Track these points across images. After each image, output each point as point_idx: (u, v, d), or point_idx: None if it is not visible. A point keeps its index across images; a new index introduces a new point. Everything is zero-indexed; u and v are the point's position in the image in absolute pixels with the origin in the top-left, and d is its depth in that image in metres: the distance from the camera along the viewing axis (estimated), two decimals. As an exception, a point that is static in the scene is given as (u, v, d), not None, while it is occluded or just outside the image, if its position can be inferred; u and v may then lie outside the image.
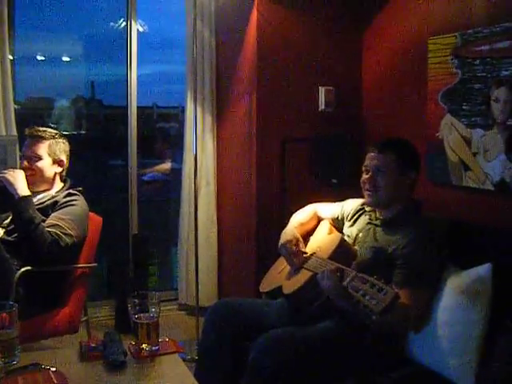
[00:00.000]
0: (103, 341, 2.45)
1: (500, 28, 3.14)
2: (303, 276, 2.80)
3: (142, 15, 4.74)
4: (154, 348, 2.42)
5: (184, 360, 2.48)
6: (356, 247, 2.86)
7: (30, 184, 3.32)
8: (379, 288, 2.21)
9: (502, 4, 3.20)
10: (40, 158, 3.42)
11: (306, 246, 3.06)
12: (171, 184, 5.71)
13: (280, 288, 2.91)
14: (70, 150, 3.58)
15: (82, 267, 3.46)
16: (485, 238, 2.88)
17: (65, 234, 3.16)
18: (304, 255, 2.93)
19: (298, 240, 3.00)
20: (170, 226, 5.49)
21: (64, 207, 3.33)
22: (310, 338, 2.63)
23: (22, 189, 3.23)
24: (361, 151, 4.16)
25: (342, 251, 2.79)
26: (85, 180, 4.74)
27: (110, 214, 4.19)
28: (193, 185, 4.31)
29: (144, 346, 2.41)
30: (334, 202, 3.28)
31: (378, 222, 2.86)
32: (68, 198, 3.39)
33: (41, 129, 3.50)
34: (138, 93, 4.83)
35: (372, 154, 2.83)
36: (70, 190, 3.47)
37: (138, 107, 4.86)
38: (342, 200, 3.26)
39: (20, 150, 3.72)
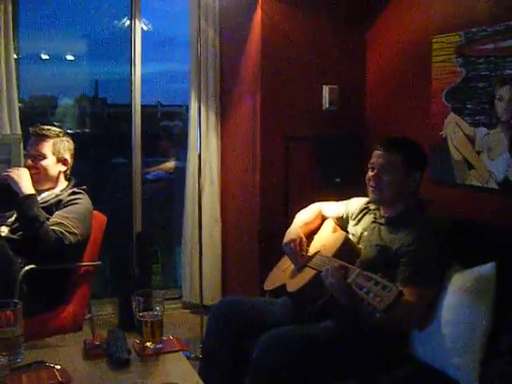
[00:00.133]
0: (107, 339, 2.45)
1: (504, 26, 3.14)
2: (307, 274, 2.80)
3: (145, 14, 4.74)
4: (158, 346, 2.42)
5: (188, 358, 2.48)
6: (360, 246, 2.86)
7: (34, 182, 3.32)
8: (383, 286, 2.21)
9: (505, 3, 3.20)
10: (44, 157, 3.43)
11: (310, 244, 3.07)
12: (175, 183, 5.71)
13: (284, 286, 2.91)
14: (74, 149, 3.59)
15: (85, 265, 3.47)
16: (488, 237, 2.88)
17: (69, 233, 3.17)
18: (308, 254, 2.94)
19: (301, 238, 3.01)
20: (174, 224, 5.49)
21: (68, 205, 3.33)
22: (314, 337, 2.64)
23: (27, 187, 3.23)
24: (364, 150, 4.18)
25: (347, 249, 2.79)
26: (88, 178, 4.75)
27: (113, 212, 4.20)
28: (197, 183, 4.31)
29: (148, 344, 2.42)
30: (338, 200, 3.28)
31: (382, 221, 2.86)
32: (72, 197, 3.39)
33: (45, 127, 3.50)
34: (141, 91, 4.83)
35: (378, 151, 2.83)
36: (75, 189, 3.47)
37: (141, 106, 4.86)
38: (346, 199, 3.26)
39: (24, 149, 3.72)
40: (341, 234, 2.97)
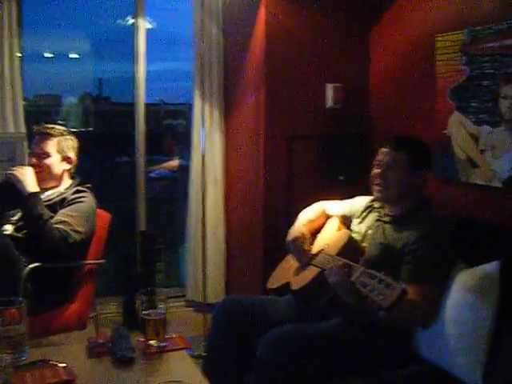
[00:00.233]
0: (111, 337, 2.46)
1: (508, 25, 3.14)
2: (311, 272, 2.80)
3: (149, 12, 4.74)
4: (161, 344, 2.43)
5: (191, 356, 2.50)
6: (364, 244, 2.86)
7: (38, 181, 3.33)
8: (387, 284, 2.21)
9: (510, 0, 3.19)
10: (48, 155, 3.43)
11: (314, 243, 3.07)
12: (179, 181, 5.72)
13: (288, 284, 2.91)
14: (78, 147, 3.60)
15: (90, 264, 3.48)
16: (492, 236, 2.88)
17: (73, 231, 3.17)
18: (312, 252, 2.94)
19: (305, 237, 3.01)
20: (178, 222, 5.49)
21: (72, 204, 3.34)
22: (318, 335, 2.64)
23: (31, 185, 3.24)
24: (368, 148, 4.18)
25: (350, 248, 2.79)
26: (92, 177, 4.75)
27: (117, 210, 4.20)
28: (200, 182, 4.31)
29: (152, 342, 2.42)
30: (342, 199, 3.28)
31: (387, 219, 2.86)
32: (76, 195, 3.40)
33: (49, 126, 3.51)
34: (145, 90, 4.83)
35: (385, 149, 2.83)
36: (79, 187, 3.48)
37: (145, 104, 4.86)
38: (350, 197, 3.26)
39: (28, 147, 3.73)
40: (345, 232, 2.97)
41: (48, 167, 3.44)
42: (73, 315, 3.28)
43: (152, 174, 5.54)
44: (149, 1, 4.72)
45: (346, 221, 3.15)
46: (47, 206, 3.27)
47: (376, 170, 2.84)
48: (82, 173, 3.66)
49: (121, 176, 5.72)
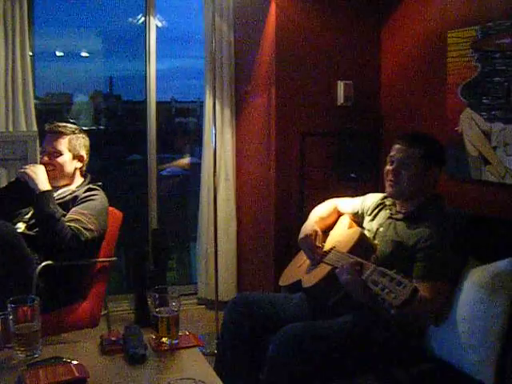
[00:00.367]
0: (124, 334, 2.46)
1: (520, 21, 3.13)
2: (322, 270, 2.80)
3: (160, 10, 4.75)
4: (174, 342, 2.43)
5: (203, 354, 2.48)
6: (376, 241, 2.85)
7: (50, 179, 3.34)
8: (398, 282, 2.21)
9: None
10: (60, 154, 3.44)
11: (325, 240, 3.06)
12: (190, 179, 5.72)
13: (299, 282, 2.91)
14: (90, 145, 3.61)
15: (102, 261, 3.49)
16: (505, 232, 2.86)
17: (85, 229, 3.18)
18: (323, 249, 2.94)
19: (317, 234, 3.01)
20: (189, 220, 5.50)
21: (84, 202, 3.35)
22: (329, 332, 2.63)
23: (43, 184, 3.25)
24: (379, 145, 4.18)
25: (362, 245, 2.79)
26: (104, 175, 4.77)
27: (129, 208, 4.21)
28: (212, 180, 4.32)
29: (164, 339, 2.42)
30: (353, 196, 3.28)
31: (398, 216, 2.85)
32: (88, 193, 3.41)
33: (61, 124, 3.52)
34: (156, 88, 4.84)
35: (398, 146, 2.82)
36: (90, 185, 3.49)
37: (156, 102, 4.86)
38: (361, 194, 3.25)
39: (40, 146, 3.74)
40: (356, 230, 2.97)
41: (60, 165, 3.45)
42: (85, 313, 3.28)
43: (163, 172, 5.55)
44: (159, -1, 4.74)
45: (358, 218, 3.14)
46: (59, 205, 3.28)
47: (389, 167, 2.84)
48: (93, 171, 3.67)
49: (132, 174, 5.73)
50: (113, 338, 2.47)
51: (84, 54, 5.46)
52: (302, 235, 3.05)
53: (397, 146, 2.83)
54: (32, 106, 4.23)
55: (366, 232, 2.94)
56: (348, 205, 3.23)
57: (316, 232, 3.01)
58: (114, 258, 3.58)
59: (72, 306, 3.27)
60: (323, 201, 3.31)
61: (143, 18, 4.76)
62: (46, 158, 3.44)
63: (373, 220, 3.00)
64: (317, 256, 2.91)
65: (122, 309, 4.80)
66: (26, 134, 4.16)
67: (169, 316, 2.42)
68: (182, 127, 6.31)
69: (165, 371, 2.31)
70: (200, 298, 4.99)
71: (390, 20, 4.22)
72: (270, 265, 4.25)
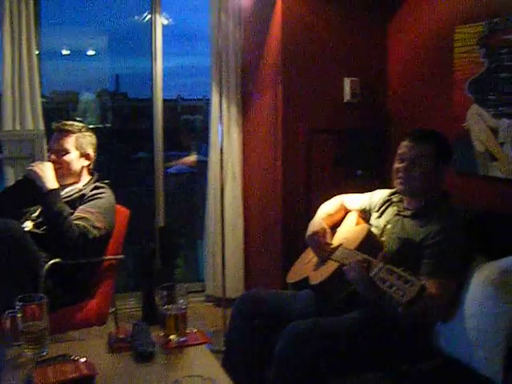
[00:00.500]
0: (132, 332, 2.47)
1: (527, 16, 3.11)
2: (330, 267, 2.80)
3: (166, 8, 4.75)
4: (182, 339, 2.43)
5: (211, 351, 2.49)
6: (383, 238, 2.85)
7: (57, 177, 3.34)
8: (406, 279, 2.21)
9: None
10: (67, 152, 3.45)
11: (333, 237, 3.06)
12: (197, 176, 5.73)
13: (307, 279, 2.91)
14: (96, 143, 3.61)
15: (109, 259, 3.50)
16: (512, 229, 2.86)
17: (92, 227, 3.18)
18: (331, 246, 2.93)
19: (325, 231, 3.00)
20: (196, 218, 5.51)
21: (91, 200, 3.35)
22: (337, 329, 2.63)
23: (50, 182, 3.25)
24: (386, 142, 4.17)
25: (369, 242, 2.79)
26: (111, 173, 4.77)
27: (136, 206, 4.22)
28: (219, 177, 4.32)
29: (172, 337, 2.43)
30: (360, 193, 3.28)
31: (406, 213, 2.85)
32: (95, 191, 3.41)
33: (68, 123, 3.53)
34: (162, 86, 4.84)
35: (409, 143, 2.81)
36: (97, 183, 3.50)
37: (163, 100, 4.86)
38: (368, 191, 3.25)
39: (47, 144, 3.75)
40: (364, 226, 2.96)
41: (67, 164, 3.45)
42: (93, 311, 3.29)
43: (170, 170, 5.56)
44: (165, -4, 4.74)
45: (365, 215, 3.14)
46: (66, 203, 3.28)
47: (400, 164, 2.82)
48: (100, 169, 3.68)
49: (139, 172, 5.74)
50: (121, 336, 2.48)
51: (90, 52, 5.48)
52: (309, 232, 3.05)
53: (406, 143, 2.83)
54: (39, 104, 4.24)
55: (373, 229, 2.93)
56: (355, 201, 3.22)
57: (323, 229, 3.01)
58: (122, 256, 3.59)
59: (80, 303, 3.27)
60: (330, 197, 3.31)
61: (149, 16, 4.76)
62: (53, 157, 3.44)
63: (380, 217, 3.00)
64: (324, 253, 2.91)
65: (129, 306, 4.81)
66: (33, 133, 4.18)
67: (177, 313, 2.42)
68: (188, 125, 6.32)
69: (173, 369, 2.32)
70: (207, 295, 5.00)
71: (397, 16, 4.21)
72: (277, 262, 4.24)
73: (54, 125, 3.53)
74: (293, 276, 3.12)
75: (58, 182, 3.33)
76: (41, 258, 3.11)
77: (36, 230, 3.28)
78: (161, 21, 4.72)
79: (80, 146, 3.49)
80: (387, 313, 2.54)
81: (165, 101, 4.89)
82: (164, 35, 4.76)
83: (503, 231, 2.87)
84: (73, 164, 3.48)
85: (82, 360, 2.18)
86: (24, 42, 4.13)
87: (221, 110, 4.24)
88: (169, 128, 5.07)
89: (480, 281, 2.52)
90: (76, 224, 3.14)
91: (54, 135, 3.51)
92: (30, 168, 3.30)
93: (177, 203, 5.60)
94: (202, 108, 6.19)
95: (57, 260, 3.15)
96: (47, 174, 3.27)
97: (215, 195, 4.71)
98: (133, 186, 5.65)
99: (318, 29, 4.17)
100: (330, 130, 4.23)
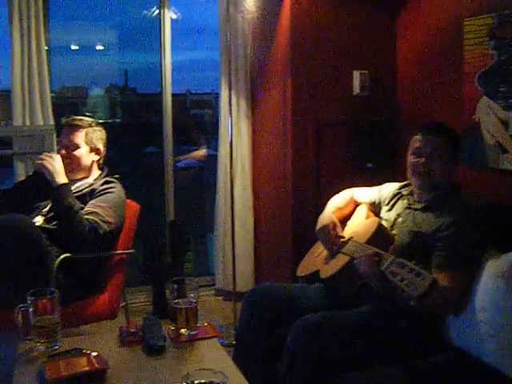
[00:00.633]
0: (143, 326, 2.48)
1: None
2: (340, 260, 2.80)
3: (174, 2, 4.74)
4: (192, 333, 2.44)
5: (222, 345, 2.50)
6: (394, 232, 2.84)
7: (67, 172, 3.35)
8: (417, 273, 2.21)
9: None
10: (77, 147, 3.46)
11: (343, 230, 3.06)
12: (206, 171, 5.73)
13: (317, 272, 2.91)
14: (106, 138, 3.62)
15: (120, 253, 3.51)
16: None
17: (103, 222, 3.19)
18: (341, 240, 2.93)
19: (335, 224, 3.00)
20: (206, 212, 5.52)
21: (102, 195, 3.36)
22: (348, 323, 2.64)
23: (60, 176, 3.26)
24: (396, 135, 4.16)
25: (380, 236, 2.78)
26: (120, 167, 4.78)
27: (146, 200, 4.23)
28: (228, 171, 4.32)
29: (183, 330, 2.44)
30: (370, 186, 3.27)
31: (417, 206, 2.84)
32: (105, 186, 3.42)
33: (78, 117, 3.54)
34: (171, 80, 4.84)
35: (425, 137, 2.80)
36: (107, 178, 3.50)
37: (172, 94, 4.87)
38: (378, 184, 3.24)
39: (57, 139, 3.76)
40: (374, 220, 2.96)
41: (77, 158, 3.46)
42: (104, 305, 3.30)
43: (180, 164, 5.56)
44: (173, -9, 4.74)
45: (375, 208, 3.14)
46: (76, 198, 3.29)
47: (416, 159, 2.81)
48: (110, 164, 3.69)
49: (149, 166, 5.75)
50: (132, 330, 2.49)
51: (99, 47, 5.48)
52: (319, 225, 3.05)
53: (420, 138, 2.81)
54: (48, 99, 4.25)
55: (383, 222, 2.93)
56: (365, 194, 3.22)
57: (333, 222, 3.01)
58: (132, 251, 3.60)
59: (91, 298, 3.28)
60: (340, 191, 3.31)
61: (158, 11, 4.76)
62: (63, 151, 3.45)
63: (390, 210, 2.99)
64: (334, 246, 2.91)
65: (139, 301, 4.82)
66: (43, 128, 4.19)
67: (187, 307, 2.43)
68: (197, 119, 6.32)
69: (183, 362, 2.32)
70: (217, 289, 5.01)
71: (406, 8, 4.19)
72: (288, 255, 4.25)
73: (64, 120, 3.55)
74: (303, 269, 3.12)
75: (68, 176, 3.34)
76: (52, 253, 3.12)
77: (47, 225, 3.28)
78: (169, 15, 4.72)
79: (90, 140, 3.50)
80: (398, 306, 2.54)
81: (174, 95, 4.90)
82: (172, 29, 4.76)
83: (514, 224, 2.86)
84: (83, 159, 3.49)
85: (94, 354, 2.20)
86: (33, 37, 4.14)
87: (230, 104, 4.23)
88: (178, 122, 5.07)
89: (491, 274, 2.51)
90: (86, 219, 3.15)
91: (64, 130, 3.52)
92: (39, 161, 3.30)
93: (186, 197, 5.61)
94: (210, 102, 6.19)
95: (68, 254, 3.16)
96: (57, 168, 3.28)
97: (225, 189, 4.72)
98: (142, 181, 5.65)
99: (327, 22, 4.16)
100: (340, 122, 4.22)
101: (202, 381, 1.82)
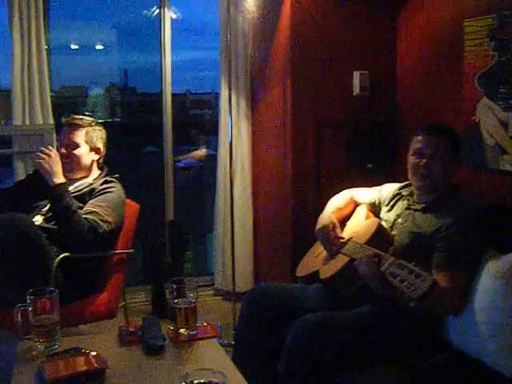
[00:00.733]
0: (142, 325, 2.47)
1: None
2: (340, 261, 2.80)
3: (174, 2, 4.74)
4: (192, 332, 2.44)
5: (220, 345, 2.50)
6: (394, 232, 2.84)
7: (67, 171, 3.36)
8: (417, 274, 2.21)
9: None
10: (78, 146, 3.46)
11: (343, 231, 3.05)
12: (206, 170, 5.73)
13: (317, 273, 2.91)
14: (106, 138, 3.62)
15: (119, 253, 3.50)
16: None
17: (102, 221, 3.19)
18: (341, 240, 2.93)
19: (334, 225, 3.00)
20: (206, 211, 5.52)
21: (101, 194, 3.36)
22: (347, 323, 2.64)
23: (57, 176, 3.24)
24: (396, 135, 4.16)
25: (380, 236, 2.78)
26: (120, 167, 4.78)
27: (145, 200, 4.23)
28: (228, 171, 4.32)
29: (182, 330, 2.43)
30: (370, 186, 3.27)
31: (417, 207, 2.84)
32: (105, 185, 3.42)
33: (78, 117, 3.54)
34: (171, 80, 4.84)
35: (426, 138, 2.80)
36: (107, 177, 3.50)
37: (172, 94, 4.87)
38: (378, 185, 3.24)
39: (57, 139, 3.75)
40: (374, 220, 2.96)
41: (77, 157, 3.46)
42: (103, 304, 3.30)
43: (179, 164, 5.56)
44: (174, -10, 4.74)
45: (375, 208, 3.14)
46: (76, 197, 3.29)
47: (418, 160, 2.80)
48: (109, 163, 3.69)
49: (148, 166, 5.75)
50: (131, 329, 2.49)
51: (99, 46, 5.48)
52: (318, 226, 3.05)
53: (422, 139, 2.81)
54: (48, 99, 4.25)
55: (383, 223, 2.93)
56: (365, 195, 3.22)
57: (333, 223, 3.01)
58: (132, 250, 3.60)
59: (90, 297, 3.28)
60: (340, 191, 3.31)
61: (158, 10, 4.76)
62: (63, 150, 3.45)
63: (390, 210, 2.99)
64: (334, 247, 2.91)
65: (138, 300, 4.82)
66: (43, 127, 4.18)
67: (187, 307, 2.43)
68: (197, 119, 6.32)
69: (183, 362, 2.33)
70: (217, 289, 5.00)
71: (406, 9, 4.19)
72: (287, 255, 4.25)
73: (64, 119, 3.55)
74: (302, 270, 3.12)
75: (68, 176, 3.34)
76: (51, 252, 3.11)
77: (46, 225, 3.28)
78: (169, 15, 4.72)
79: (90, 140, 3.50)
80: (398, 306, 2.54)
81: (174, 95, 4.90)
82: (172, 29, 4.76)
83: (513, 225, 2.87)
84: (83, 158, 3.49)
85: (93, 353, 2.19)
86: (33, 36, 4.14)
87: (230, 104, 4.23)
88: (178, 122, 5.07)
89: (491, 274, 2.51)
90: (86, 218, 3.15)
91: (65, 129, 3.52)
92: (38, 160, 3.29)
93: (186, 197, 5.61)
94: (210, 102, 6.19)
95: (67, 254, 3.15)
96: (54, 168, 3.26)
97: (224, 189, 4.72)
98: (142, 181, 5.65)
99: (327, 22, 4.16)
100: (340, 123, 4.22)
101: (202, 381, 1.82)
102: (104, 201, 3.31)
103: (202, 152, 5.81)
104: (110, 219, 3.23)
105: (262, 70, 4.63)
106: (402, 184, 3.03)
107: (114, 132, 5.09)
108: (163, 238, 4.88)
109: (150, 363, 2.26)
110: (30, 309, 2.29)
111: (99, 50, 5.50)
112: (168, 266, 4.72)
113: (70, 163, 3.43)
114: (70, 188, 3.37)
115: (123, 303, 3.69)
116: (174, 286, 2.44)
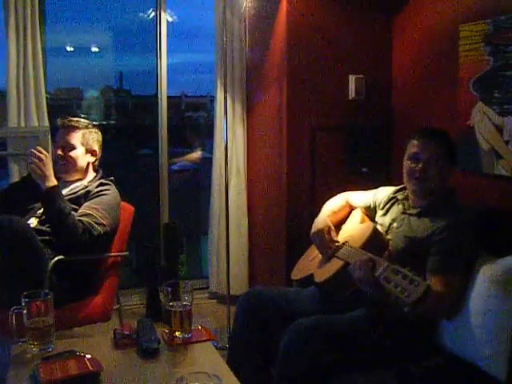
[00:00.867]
0: (137, 328, 2.47)
1: (533, 14, 3.11)
2: (335, 265, 2.80)
3: (170, 5, 4.75)
4: (186, 336, 2.44)
5: (215, 348, 2.50)
6: (389, 236, 2.85)
7: (63, 173, 3.36)
8: (411, 279, 2.21)
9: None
10: (73, 148, 3.46)
11: (338, 234, 3.06)
12: (201, 173, 5.73)
13: (311, 276, 2.91)
14: (102, 140, 3.62)
15: (114, 256, 3.50)
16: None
17: (97, 224, 3.19)
18: (336, 244, 2.93)
19: (329, 228, 3.00)
20: (200, 214, 5.51)
21: (96, 197, 3.36)
22: (341, 327, 2.64)
23: (49, 179, 3.21)
24: (391, 139, 4.17)
25: (375, 241, 2.78)
26: (114, 169, 4.78)
27: (140, 203, 4.22)
28: (223, 174, 4.32)
29: (177, 333, 2.44)
30: (364, 190, 3.27)
31: (412, 212, 2.84)
32: (100, 188, 3.42)
33: (74, 119, 3.54)
34: (167, 82, 4.84)
35: (421, 143, 2.80)
36: (102, 180, 3.50)
37: (167, 97, 4.87)
38: (373, 188, 3.25)
39: (51, 141, 3.75)
40: (369, 224, 2.96)
41: (73, 159, 3.46)
42: (97, 307, 3.29)
43: (174, 167, 5.56)
44: (170, -6, 4.74)
45: (370, 212, 3.14)
46: (71, 199, 3.29)
47: (414, 164, 2.81)
48: (104, 166, 3.69)
49: (143, 168, 5.74)
50: (126, 332, 2.48)
51: (94, 49, 5.47)
52: (314, 229, 3.05)
53: (417, 143, 2.82)
54: (43, 101, 4.24)
55: (378, 226, 2.93)
56: (360, 198, 3.22)
57: (328, 226, 3.01)
58: (126, 253, 3.59)
59: (85, 300, 3.28)
60: (335, 195, 3.31)
61: (154, 13, 4.77)
62: (59, 152, 3.45)
63: (385, 214, 3.00)
64: (329, 251, 2.91)
65: (132, 303, 4.81)
66: (38, 129, 4.18)
67: (181, 310, 2.43)
68: (192, 122, 6.32)
69: (178, 365, 2.32)
70: (211, 292, 5.00)
71: (402, 14, 4.21)
72: (282, 259, 4.25)
73: (60, 121, 3.54)
74: (297, 273, 3.12)
75: (63, 178, 3.34)
76: (46, 255, 3.10)
77: (41, 227, 3.28)
78: (165, 17, 4.72)
79: (86, 142, 3.50)
80: (392, 311, 2.54)
81: (169, 97, 4.90)
82: (168, 32, 4.76)
83: (508, 229, 2.87)
84: (79, 160, 3.48)
85: (88, 356, 2.19)
86: (29, 38, 4.13)
87: (225, 107, 4.23)
88: (173, 125, 5.07)
89: (485, 278, 2.52)
90: (80, 220, 3.15)
91: (61, 131, 3.52)
92: (30, 162, 3.25)
93: (181, 200, 5.60)
94: (205, 105, 6.19)
95: (61, 257, 3.15)
96: (45, 171, 3.21)
97: (219, 192, 4.72)
98: (137, 183, 5.65)
99: (323, 26, 4.17)
100: (335, 127, 4.23)
101: (196, 384, 1.82)
102: (99, 203, 3.31)
103: (197, 155, 5.81)
104: (104, 222, 3.23)
105: (257, 73, 4.64)
106: (397, 188, 3.04)
107: (108, 134, 5.08)
108: (158, 240, 4.88)
109: (144, 366, 2.26)
110: (25, 311, 2.29)
111: (95, 52, 5.49)
112: (162, 268, 4.72)
113: (66, 165, 3.43)
114: (65, 190, 3.37)
115: (117, 306, 3.69)
116: (169, 288, 2.45)
